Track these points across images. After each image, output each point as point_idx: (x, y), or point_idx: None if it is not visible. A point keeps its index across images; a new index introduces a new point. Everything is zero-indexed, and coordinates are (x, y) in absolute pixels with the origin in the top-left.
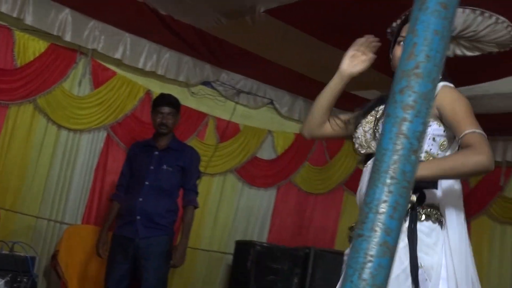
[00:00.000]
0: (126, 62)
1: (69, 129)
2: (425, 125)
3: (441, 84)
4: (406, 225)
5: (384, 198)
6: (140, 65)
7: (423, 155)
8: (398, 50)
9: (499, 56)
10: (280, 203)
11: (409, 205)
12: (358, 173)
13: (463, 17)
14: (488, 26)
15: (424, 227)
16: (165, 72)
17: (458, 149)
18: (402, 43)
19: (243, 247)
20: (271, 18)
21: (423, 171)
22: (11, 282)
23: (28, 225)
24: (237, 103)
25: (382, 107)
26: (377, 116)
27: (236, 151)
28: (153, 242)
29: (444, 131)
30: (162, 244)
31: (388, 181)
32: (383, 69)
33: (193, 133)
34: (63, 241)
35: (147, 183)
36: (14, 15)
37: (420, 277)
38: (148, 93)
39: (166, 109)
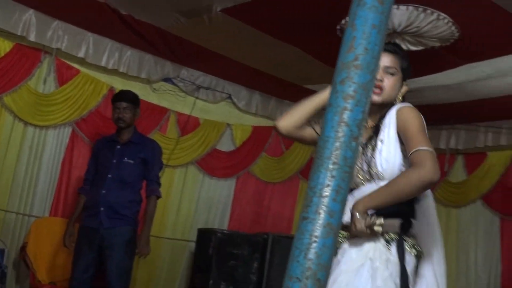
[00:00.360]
0: (89, 61)
1: (35, 126)
2: (365, 114)
3: (395, 108)
4: (390, 253)
5: (328, 182)
6: (103, 63)
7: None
8: None
9: (441, 50)
10: (239, 192)
11: (395, 235)
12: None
13: (407, 14)
14: (430, 22)
15: (408, 257)
16: (127, 69)
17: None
18: None
19: (205, 235)
20: (227, 17)
21: (373, 201)
22: None
23: None
24: (197, 98)
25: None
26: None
27: (196, 144)
28: (116, 233)
29: None
30: (126, 234)
31: (331, 166)
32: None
33: (155, 128)
34: (31, 233)
35: (109, 176)
36: None
37: None
38: (111, 90)
39: (122, 104)
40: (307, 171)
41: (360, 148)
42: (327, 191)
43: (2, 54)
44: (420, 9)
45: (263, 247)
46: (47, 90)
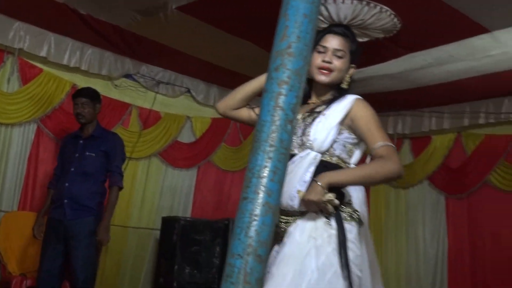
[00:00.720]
0: (51, 60)
1: (1, 124)
2: (298, 98)
3: (354, 97)
4: (331, 227)
5: (265, 164)
6: (65, 62)
7: (334, 159)
8: (315, 58)
9: (385, 41)
10: (201, 181)
11: (333, 207)
12: None
13: (352, 7)
14: (374, 15)
15: (349, 226)
16: (89, 67)
17: (368, 158)
18: (319, 51)
19: (169, 223)
20: (182, 14)
21: (339, 177)
22: None
23: None
24: (157, 93)
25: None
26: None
27: (158, 137)
28: (80, 223)
29: (353, 140)
30: (89, 224)
31: (268, 148)
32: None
33: (118, 122)
34: (0, 227)
35: (72, 169)
36: None
37: (353, 276)
38: (74, 87)
39: (81, 100)
40: None
41: (302, 117)
42: (265, 172)
43: None
44: (364, 2)
45: (224, 232)
46: (11, 89)
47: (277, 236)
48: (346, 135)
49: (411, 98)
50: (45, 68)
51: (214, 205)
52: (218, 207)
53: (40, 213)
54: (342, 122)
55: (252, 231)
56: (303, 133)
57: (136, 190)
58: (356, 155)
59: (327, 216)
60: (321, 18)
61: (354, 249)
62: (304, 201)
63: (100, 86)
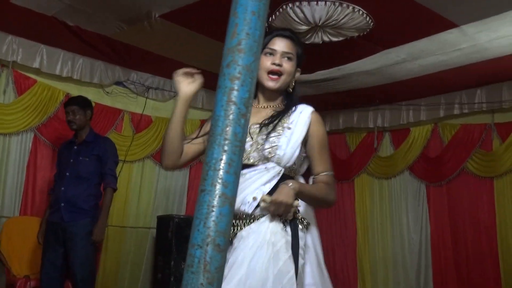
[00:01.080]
0: (44, 70)
1: None
2: (251, 93)
3: (310, 110)
4: (287, 234)
5: (220, 156)
6: (57, 72)
7: (292, 172)
8: (264, 61)
9: (359, 40)
10: (193, 180)
11: (291, 215)
12: None
13: (325, 9)
14: (347, 15)
15: (301, 233)
16: (81, 76)
17: (311, 179)
18: (268, 54)
19: (164, 221)
20: (166, 22)
21: (306, 188)
22: None
23: None
24: (147, 98)
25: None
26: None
27: (150, 140)
28: (76, 225)
29: (304, 153)
30: (85, 225)
31: (223, 142)
32: None
33: (111, 127)
34: (3, 232)
35: (67, 174)
36: None
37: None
38: (67, 96)
39: (71, 108)
40: None
41: (257, 127)
42: (220, 165)
43: None
44: (337, 3)
45: None
46: (7, 100)
47: None
48: (302, 149)
49: (389, 92)
50: (38, 78)
51: None
52: None
53: (43, 219)
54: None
55: (210, 222)
56: (271, 147)
57: (132, 191)
58: (304, 168)
59: (284, 222)
60: (297, 20)
61: (303, 257)
62: (271, 202)
63: (92, 94)
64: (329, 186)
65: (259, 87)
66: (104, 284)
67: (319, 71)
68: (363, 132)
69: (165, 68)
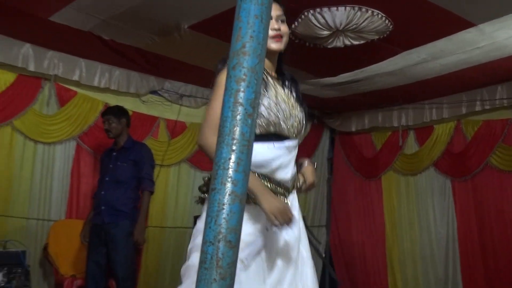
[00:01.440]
0: (84, 82)
1: (44, 143)
2: (257, 94)
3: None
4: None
5: (229, 156)
6: (95, 83)
7: None
8: None
9: (379, 42)
10: None
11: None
12: None
13: (345, 13)
14: (366, 18)
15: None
16: (118, 86)
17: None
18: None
19: None
20: (194, 32)
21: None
22: (7, 274)
23: (20, 226)
24: (181, 105)
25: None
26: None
27: (185, 144)
28: (117, 227)
29: None
30: (125, 227)
31: (231, 142)
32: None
33: (148, 134)
34: (50, 235)
35: (107, 178)
36: None
37: None
38: (106, 105)
39: (106, 117)
40: None
41: (284, 96)
42: (229, 164)
43: (8, 85)
44: (356, 8)
45: None
46: (50, 112)
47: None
48: None
49: (412, 92)
50: (79, 90)
51: None
52: None
53: (86, 221)
54: None
55: (221, 219)
56: (303, 122)
57: (169, 194)
58: None
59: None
60: (319, 25)
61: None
62: (311, 183)
63: (129, 103)
64: None
65: None
66: (146, 282)
67: (342, 74)
68: (388, 131)
69: (196, 76)
